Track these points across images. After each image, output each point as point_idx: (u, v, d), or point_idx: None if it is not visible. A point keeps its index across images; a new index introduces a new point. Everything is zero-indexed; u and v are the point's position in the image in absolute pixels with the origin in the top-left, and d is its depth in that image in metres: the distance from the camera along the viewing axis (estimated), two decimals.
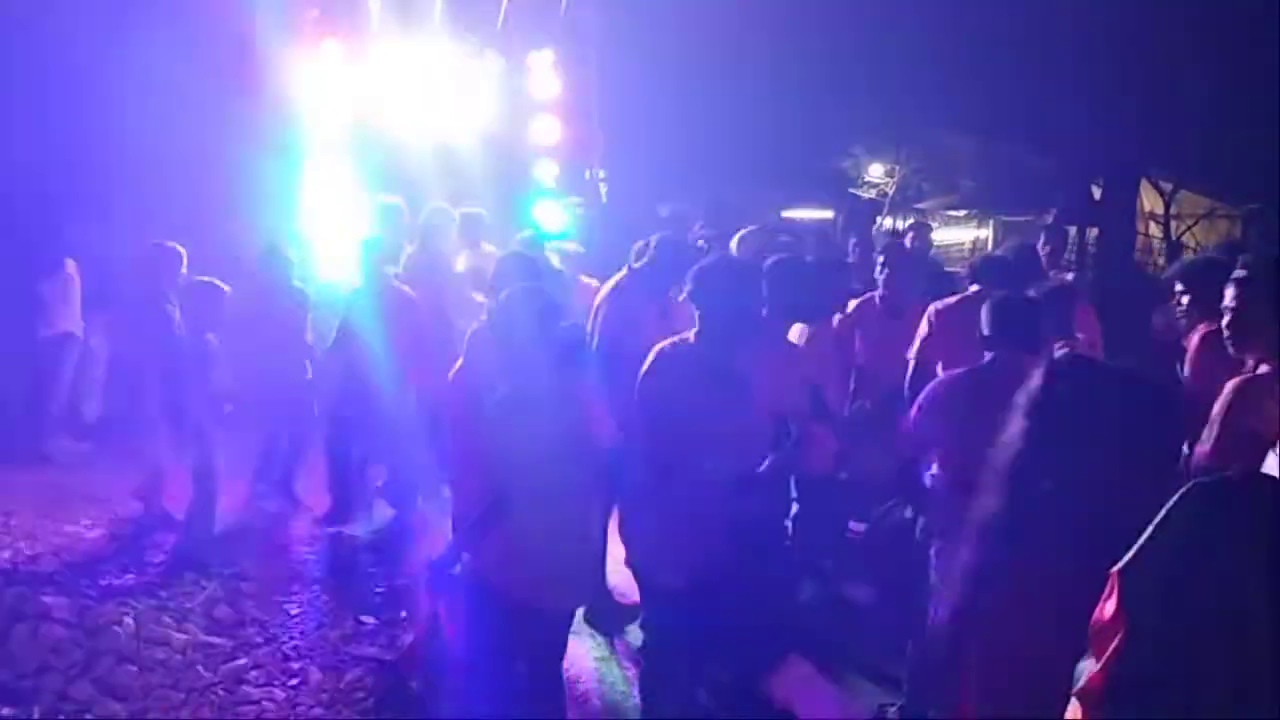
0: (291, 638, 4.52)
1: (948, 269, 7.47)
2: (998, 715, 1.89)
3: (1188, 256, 4.98)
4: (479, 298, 5.49)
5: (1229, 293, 3.10)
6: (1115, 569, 1.51)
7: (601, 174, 10.88)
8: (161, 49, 7.58)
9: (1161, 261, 15.79)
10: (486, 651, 3.38)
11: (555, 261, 5.73)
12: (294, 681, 4.16)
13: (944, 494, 3.48)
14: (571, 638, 3.96)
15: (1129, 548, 1.51)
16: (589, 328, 4.90)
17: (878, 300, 5.26)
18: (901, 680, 4.02)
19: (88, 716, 3.77)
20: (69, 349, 7.20)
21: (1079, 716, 1.56)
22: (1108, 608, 1.51)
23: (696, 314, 3.48)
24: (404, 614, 4.87)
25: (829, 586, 5.06)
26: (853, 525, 5.41)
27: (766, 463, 3.56)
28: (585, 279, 5.78)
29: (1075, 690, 1.58)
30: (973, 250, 18.39)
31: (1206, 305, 3.50)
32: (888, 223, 19.42)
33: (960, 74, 14.52)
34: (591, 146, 10.18)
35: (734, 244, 5.55)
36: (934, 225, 13.77)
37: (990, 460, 1.95)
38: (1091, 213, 15.54)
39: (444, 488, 4.90)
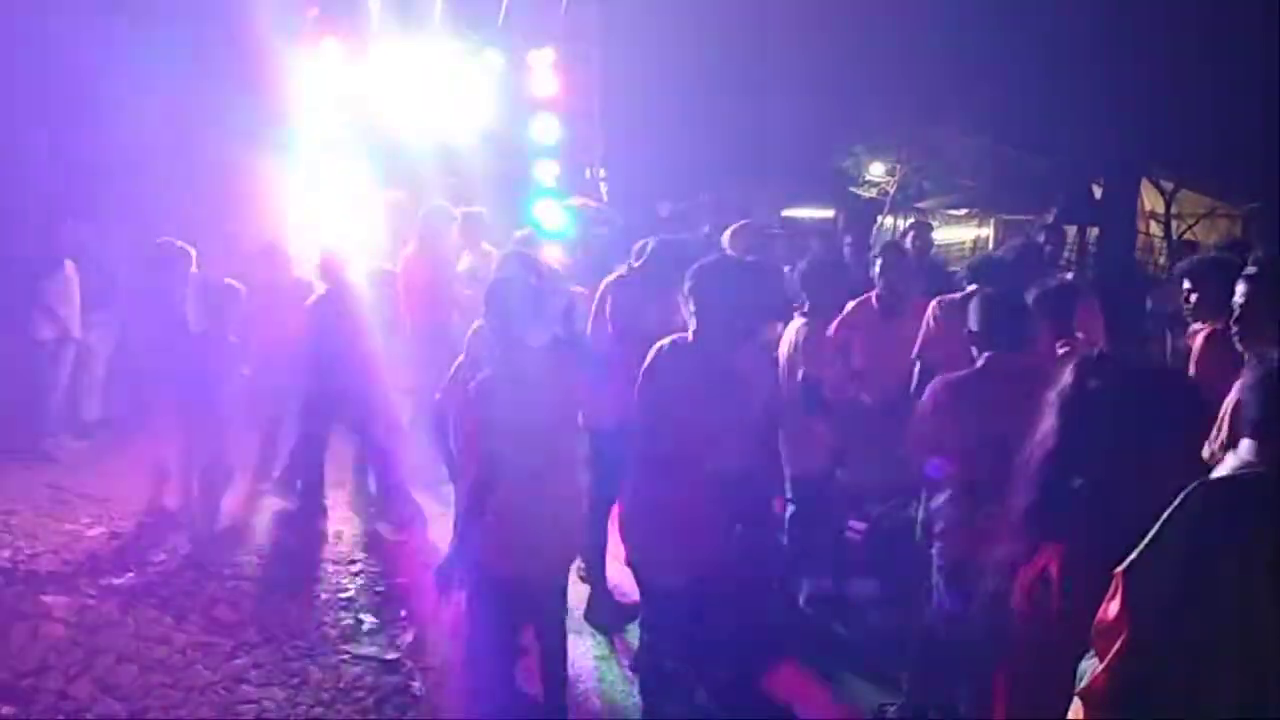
0: (291, 637, 4.52)
1: (950, 268, 7.47)
2: (1034, 712, 1.88)
3: (1197, 255, 4.97)
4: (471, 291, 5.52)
5: (1238, 290, 3.11)
6: (1119, 569, 1.51)
7: (601, 174, 10.87)
8: (161, 49, 7.59)
9: (1162, 261, 15.80)
10: (490, 629, 3.57)
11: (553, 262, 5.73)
12: (294, 681, 4.15)
13: (948, 493, 3.47)
14: (571, 636, 3.98)
15: None
16: (590, 320, 4.90)
17: (875, 300, 5.26)
18: (901, 680, 4.01)
19: (87, 716, 3.76)
20: (68, 348, 7.20)
21: (1081, 716, 1.56)
22: (1111, 608, 1.51)
23: (694, 313, 3.48)
24: (403, 613, 4.86)
25: (828, 586, 5.05)
26: (852, 524, 5.41)
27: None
28: (575, 288, 5.78)
29: (1078, 690, 1.58)
30: (973, 250, 18.39)
31: (1213, 303, 3.49)
32: (888, 222, 19.43)
33: (961, 74, 14.54)
34: (592, 146, 10.17)
35: (725, 240, 5.54)
36: (934, 224, 13.74)
37: (1021, 458, 1.95)
38: (1092, 212, 15.56)
39: (444, 484, 4.91)
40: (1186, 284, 3.87)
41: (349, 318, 5.74)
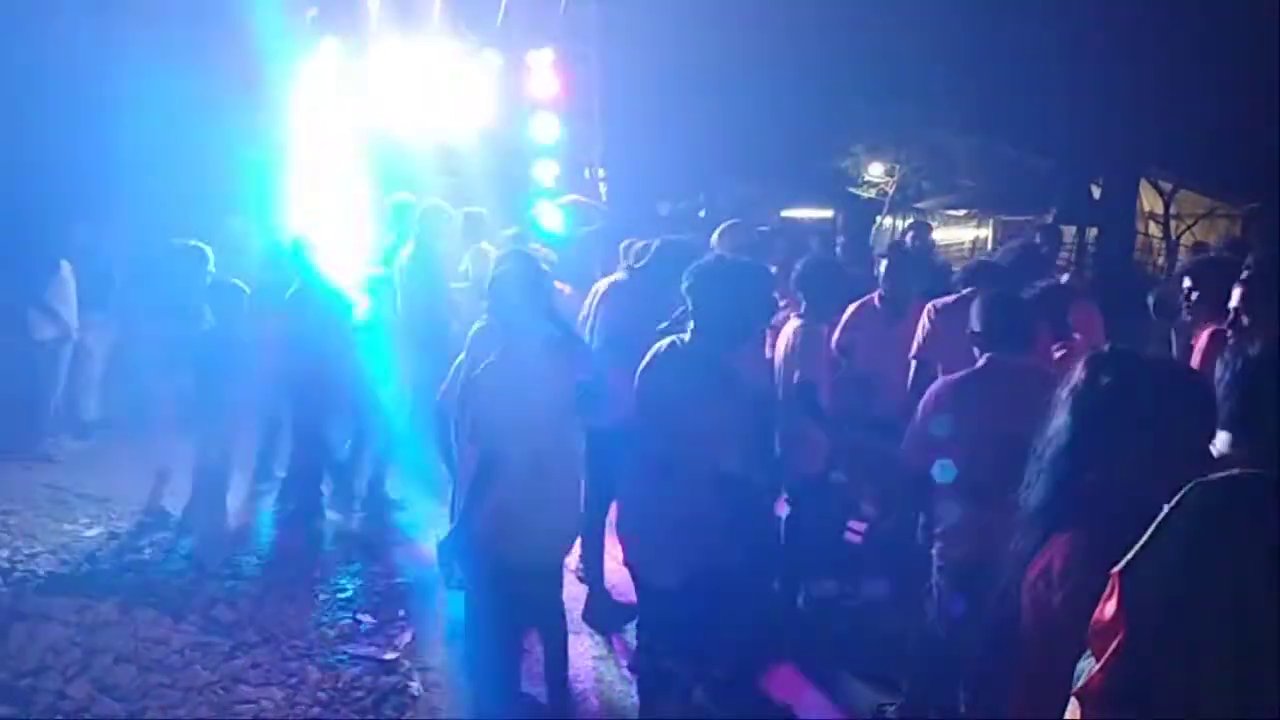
0: (290, 637, 4.52)
1: (952, 269, 7.45)
2: (1035, 711, 1.88)
3: (1197, 256, 5.00)
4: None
5: (1236, 290, 3.11)
6: (1116, 569, 1.51)
7: (601, 174, 10.87)
8: (161, 49, 7.58)
9: (1161, 261, 15.80)
10: (489, 618, 3.65)
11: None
12: (292, 681, 4.15)
13: (949, 494, 3.47)
14: (570, 637, 3.99)
15: None
16: (585, 324, 4.90)
17: (877, 301, 5.25)
18: (900, 680, 4.01)
19: (86, 716, 3.76)
20: (66, 348, 7.20)
21: (1079, 716, 1.56)
22: (1108, 608, 1.50)
23: (692, 313, 3.48)
24: (402, 614, 4.86)
25: (827, 587, 5.05)
26: (852, 525, 5.41)
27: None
28: (560, 285, 5.78)
29: (1075, 690, 1.57)
30: (972, 250, 18.38)
31: (1215, 303, 3.49)
32: (887, 222, 19.42)
33: (960, 74, 14.53)
34: (591, 146, 10.17)
35: (714, 238, 5.52)
36: (934, 225, 13.74)
37: (1032, 455, 1.95)
38: (1091, 213, 15.55)
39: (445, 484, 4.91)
40: (1187, 283, 3.87)
41: (323, 312, 5.72)
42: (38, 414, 7.05)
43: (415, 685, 4.22)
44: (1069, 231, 14.62)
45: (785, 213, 18.83)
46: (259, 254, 6.53)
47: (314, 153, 8.23)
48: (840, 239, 8.24)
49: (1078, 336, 4.43)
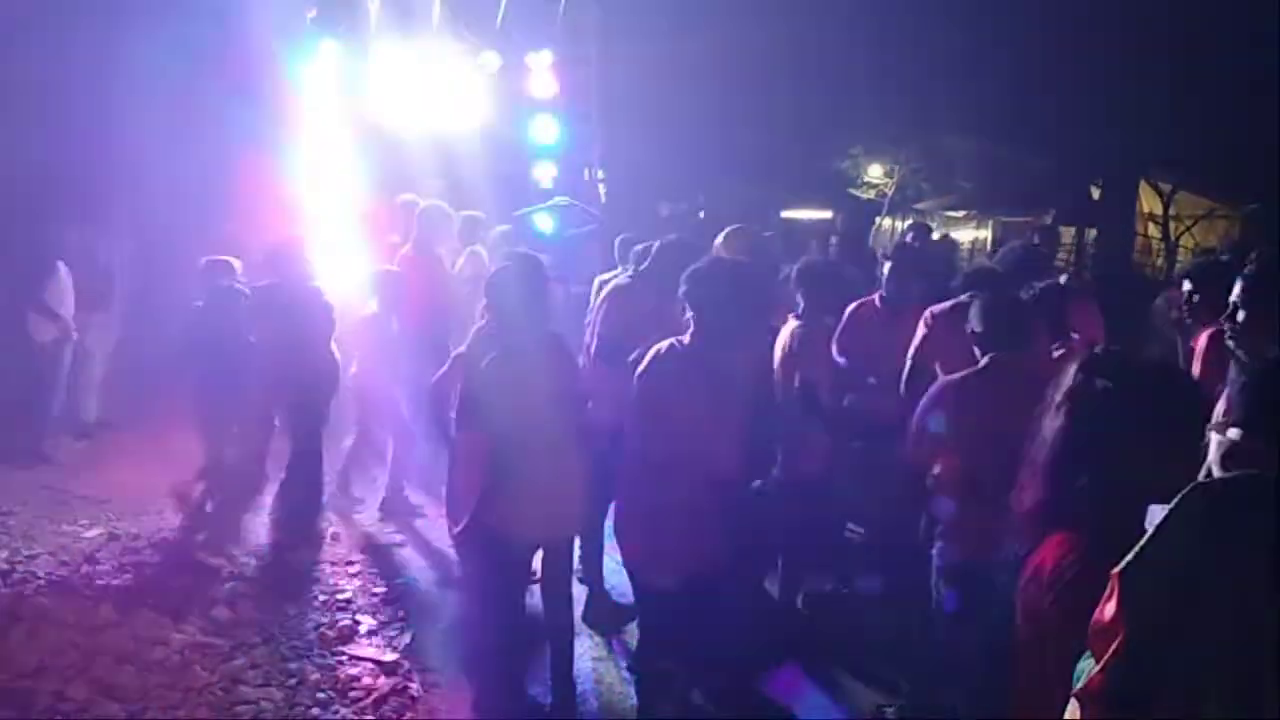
0: (289, 638, 4.51)
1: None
2: (1035, 712, 1.88)
3: (1198, 259, 5.01)
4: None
5: (1235, 291, 3.11)
6: (1115, 570, 1.51)
7: (600, 175, 10.87)
8: (161, 49, 7.59)
9: (1160, 262, 15.80)
10: (493, 601, 3.78)
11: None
12: (291, 681, 4.15)
13: (949, 493, 3.47)
14: None
15: None
16: (589, 324, 4.91)
17: (878, 301, 5.25)
18: (900, 680, 4.01)
19: (85, 717, 3.75)
20: (66, 350, 7.19)
21: (1078, 716, 1.56)
22: (1108, 608, 1.50)
23: (691, 316, 3.48)
24: (402, 614, 4.86)
25: (826, 587, 5.05)
26: (851, 526, 5.40)
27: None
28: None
29: (1075, 691, 1.57)
30: (971, 251, 18.38)
31: (1215, 305, 3.49)
32: (886, 223, 19.44)
33: (960, 74, 14.53)
34: (590, 147, 10.18)
35: (718, 242, 5.53)
36: (933, 225, 13.74)
37: (1028, 455, 1.95)
38: (1091, 213, 15.56)
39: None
40: (1188, 285, 3.87)
41: (297, 307, 5.71)
42: (38, 415, 7.05)
43: (415, 686, 4.22)
44: (1068, 232, 14.64)
45: (785, 214, 18.84)
46: (259, 255, 6.51)
47: (313, 153, 8.24)
48: (833, 239, 8.23)
49: (1077, 337, 4.43)
